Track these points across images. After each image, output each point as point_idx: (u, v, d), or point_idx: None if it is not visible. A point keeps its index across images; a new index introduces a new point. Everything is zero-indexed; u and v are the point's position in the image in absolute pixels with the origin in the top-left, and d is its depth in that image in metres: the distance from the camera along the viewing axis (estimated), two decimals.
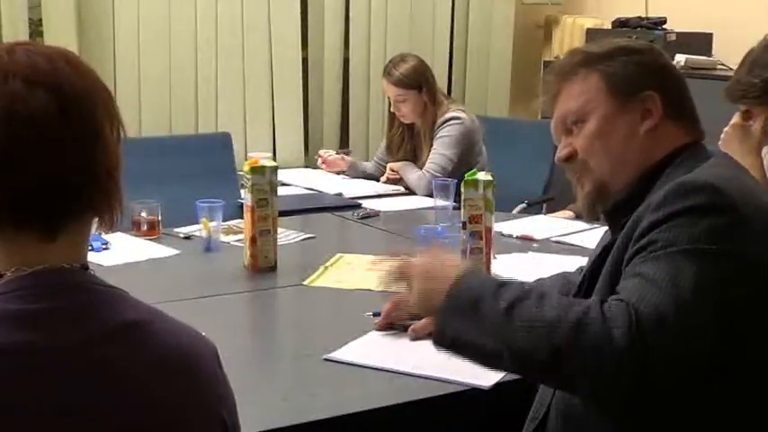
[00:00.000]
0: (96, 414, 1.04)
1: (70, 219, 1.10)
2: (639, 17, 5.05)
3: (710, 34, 4.89)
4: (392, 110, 3.99)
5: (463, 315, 1.41)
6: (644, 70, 1.62)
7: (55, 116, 1.06)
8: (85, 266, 1.13)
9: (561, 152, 1.65)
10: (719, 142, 2.32)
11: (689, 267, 1.35)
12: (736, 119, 2.34)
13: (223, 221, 2.83)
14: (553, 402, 1.57)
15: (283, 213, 2.77)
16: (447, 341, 1.43)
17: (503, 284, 1.43)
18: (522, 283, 1.45)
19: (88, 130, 1.09)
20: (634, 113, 1.59)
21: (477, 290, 1.42)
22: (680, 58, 4.44)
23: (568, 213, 3.44)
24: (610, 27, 5.11)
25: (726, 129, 2.35)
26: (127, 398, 1.06)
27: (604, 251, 1.56)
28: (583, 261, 2.07)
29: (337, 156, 4.12)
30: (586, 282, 1.60)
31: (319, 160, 4.16)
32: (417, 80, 3.90)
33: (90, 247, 2.69)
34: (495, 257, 2.48)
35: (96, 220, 1.13)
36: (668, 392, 1.35)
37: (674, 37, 4.80)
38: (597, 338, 1.30)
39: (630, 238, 1.46)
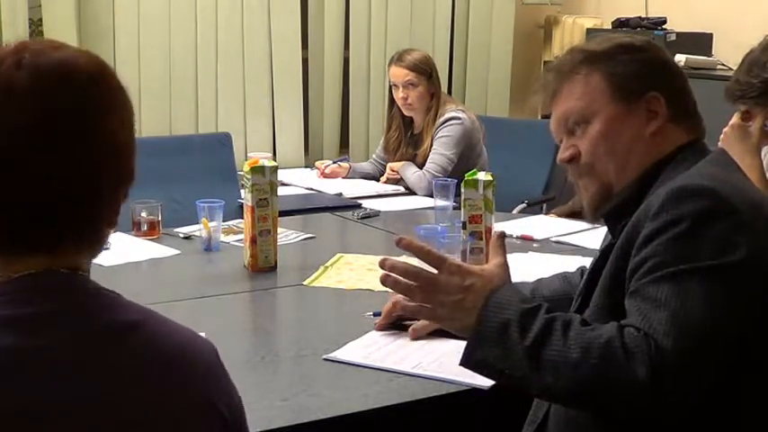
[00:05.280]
0: (94, 413, 1.04)
1: (64, 230, 1.09)
2: (639, 17, 5.06)
3: (710, 34, 4.89)
4: (400, 95, 3.90)
5: (491, 342, 1.41)
6: (647, 69, 1.60)
7: (46, 126, 1.06)
8: (76, 269, 1.11)
9: (564, 153, 1.63)
10: (719, 143, 2.32)
11: (701, 289, 1.34)
12: (735, 119, 2.34)
13: (223, 221, 2.83)
14: (552, 406, 1.55)
15: (283, 213, 2.77)
16: (473, 364, 1.44)
17: (528, 312, 1.40)
18: (545, 308, 1.41)
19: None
20: (639, 115, 1.57)
21: (503, 314, 1.41)
22: (680, 59, 4.44)
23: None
24: (610, 27, 5.12)
25: (725, 129, 2.35)
26: (123, 396, 1.05)
27: (605, 253, 1.53)
28: (582, 261, 2.07)
29: (334, 165, 4.12)
30: (588, 284, 1.58)
31: (317, 172, 4.12)
32: (428, 68, 3.94)
33: None
34: None
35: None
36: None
37: (674, 37, 4.81)
38: (621, 379, 1.31)
39: (632, 243, 1.43)
